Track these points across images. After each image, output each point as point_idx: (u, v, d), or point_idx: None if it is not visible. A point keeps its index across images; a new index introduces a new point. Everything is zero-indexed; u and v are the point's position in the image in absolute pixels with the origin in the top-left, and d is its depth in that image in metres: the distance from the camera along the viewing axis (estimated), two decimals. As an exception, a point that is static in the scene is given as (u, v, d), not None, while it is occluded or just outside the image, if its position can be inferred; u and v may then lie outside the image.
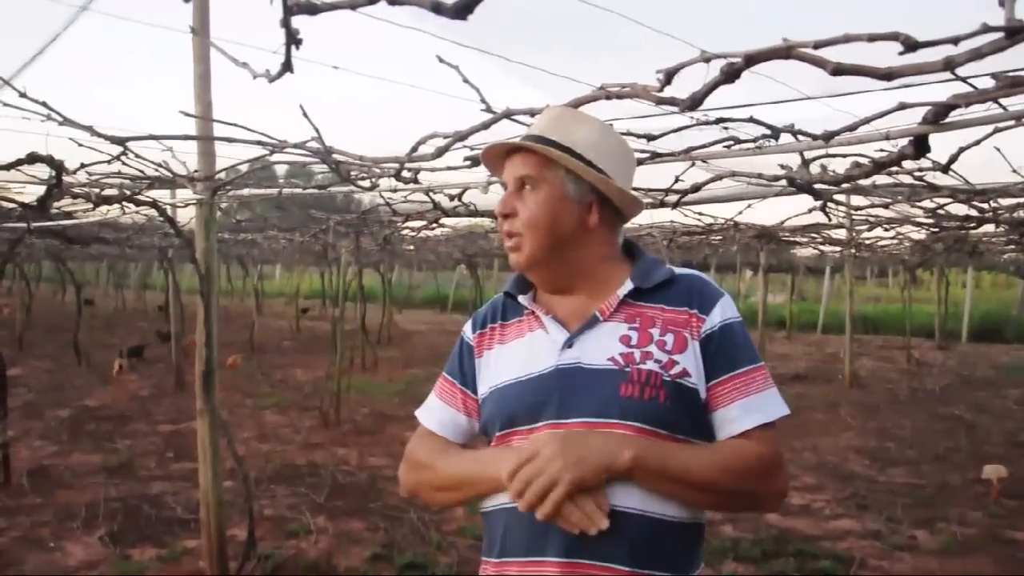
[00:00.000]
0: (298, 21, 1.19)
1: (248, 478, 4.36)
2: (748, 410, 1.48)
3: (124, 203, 3.99)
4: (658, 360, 1.46)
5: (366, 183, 3.30)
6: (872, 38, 1.13)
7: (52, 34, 4.55)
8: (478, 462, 1.54)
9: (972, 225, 4.74)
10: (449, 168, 2.47)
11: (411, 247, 14.12)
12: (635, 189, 2.16)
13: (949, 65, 1.28)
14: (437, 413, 1.68)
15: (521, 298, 1.63)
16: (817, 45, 1.22)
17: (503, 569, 1.50)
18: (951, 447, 7.80)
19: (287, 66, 1.28)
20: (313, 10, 1.11)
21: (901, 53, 1.15)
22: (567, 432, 1.42)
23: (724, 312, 1.52)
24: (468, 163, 2.23)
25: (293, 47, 1.22)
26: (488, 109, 2.02)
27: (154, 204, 3.94)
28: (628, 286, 1.54)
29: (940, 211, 4.28)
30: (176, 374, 10.76)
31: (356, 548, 4.95)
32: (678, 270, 1.59)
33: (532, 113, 2.03)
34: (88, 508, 5.55)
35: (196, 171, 3.22)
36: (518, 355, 1.58)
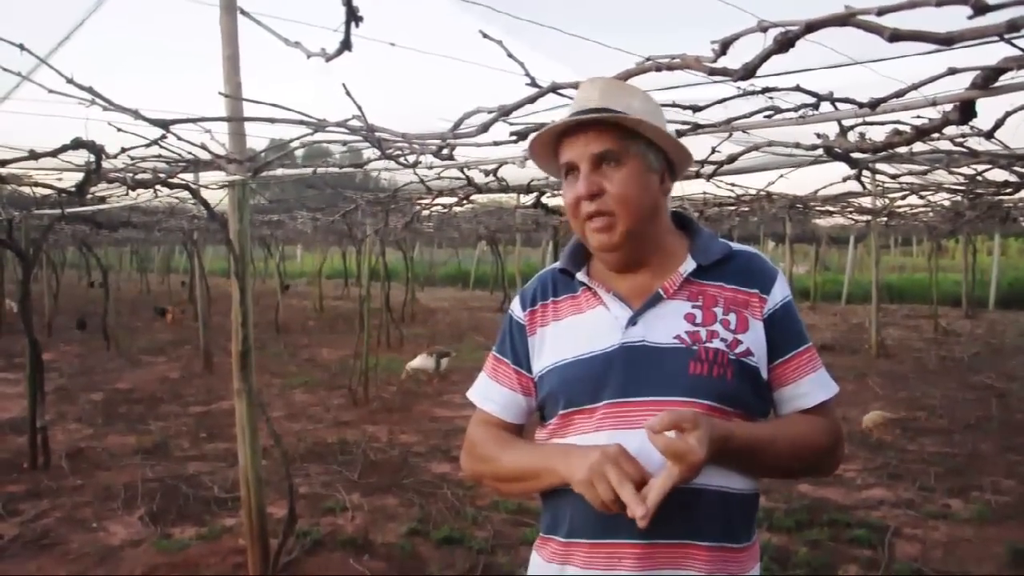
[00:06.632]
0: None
1: (286, 456, 4.41)
2: (817, 385, 1.51)
3: (158, 187, 4.02)
4: (723, 339, 1.46)
5: (402, 160, 3.29)
6: (940, 3, 1.11)
7: (79, 18, 4.58)
8: (545, 458, 1.49)
9: (1009, 191, 4.69)
10: (495, 143, 2.45)
11: (430, 224, 14.04)
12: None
13: (1013, 28, 1.25)
14: (493, 395, 1.65)
15: (579, 275, 1.59)
16: (881, 12, 1.19)
17: (572, 549, 1.48)
18: (982, 416, 7.75)
19: (346, 44, 1.28)
20: (378, -13, 1.10)
21: (970, 17, 1.13)
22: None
23: (783, 290, 1.53)
24: (514, 138, 2.21)
25: (353, 24, 1.22)
26: (533, 83, 1.99)
27: (187, 187, 3.96)
28: (691, 264, 1.52)
29: (978, 177, 4.22)
30: (204, 356, 10.88)
31: (392, 524, 5.00)
32: (734, 245, 1.58)
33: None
34: (127, 488, 5.64)
35: (232, 152, 3.22)
36: (577, 333, 1.54)
